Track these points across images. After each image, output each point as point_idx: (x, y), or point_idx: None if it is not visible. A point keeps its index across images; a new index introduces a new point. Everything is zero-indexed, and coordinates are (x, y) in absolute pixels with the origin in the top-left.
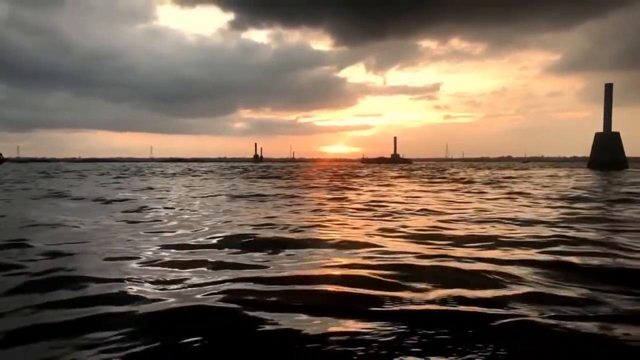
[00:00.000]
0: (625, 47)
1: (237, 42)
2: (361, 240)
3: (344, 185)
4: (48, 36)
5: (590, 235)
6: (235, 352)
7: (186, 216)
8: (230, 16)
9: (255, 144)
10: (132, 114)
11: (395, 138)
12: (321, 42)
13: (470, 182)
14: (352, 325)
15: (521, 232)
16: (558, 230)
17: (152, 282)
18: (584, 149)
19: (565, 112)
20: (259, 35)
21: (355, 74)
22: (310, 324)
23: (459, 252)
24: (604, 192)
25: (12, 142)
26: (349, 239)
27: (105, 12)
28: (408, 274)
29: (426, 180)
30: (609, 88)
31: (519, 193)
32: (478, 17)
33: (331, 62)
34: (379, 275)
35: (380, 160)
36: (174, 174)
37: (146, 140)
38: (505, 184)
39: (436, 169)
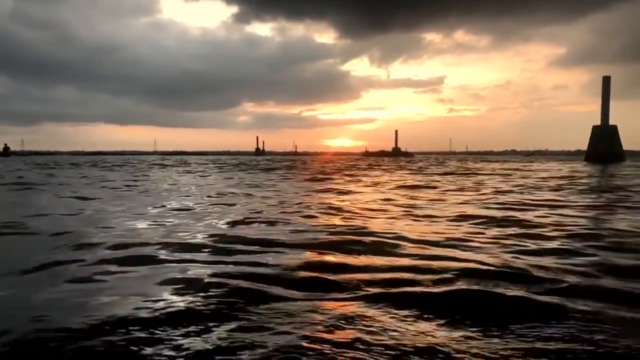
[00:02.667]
0: (630, 40)
1: (241, 35)
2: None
3: (322, 177)
4: (52, 30)
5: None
6: None
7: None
8: (234, 9)
9: (257, 137)
10: (136, 107)
11: (396, 131)
12: (325, 35)
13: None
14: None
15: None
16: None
17: None
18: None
19: (569, 105)
20: (263, 29)
21: (359, 67)
22: None
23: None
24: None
25: (17, 135)
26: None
27: (109, 5)
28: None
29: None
30: (606, 80)
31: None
32: (482, 9)
33: (335, 55)
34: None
35: (381, 154)
36: (164, 167)
37: (150, 134)
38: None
39: (423, 161)
